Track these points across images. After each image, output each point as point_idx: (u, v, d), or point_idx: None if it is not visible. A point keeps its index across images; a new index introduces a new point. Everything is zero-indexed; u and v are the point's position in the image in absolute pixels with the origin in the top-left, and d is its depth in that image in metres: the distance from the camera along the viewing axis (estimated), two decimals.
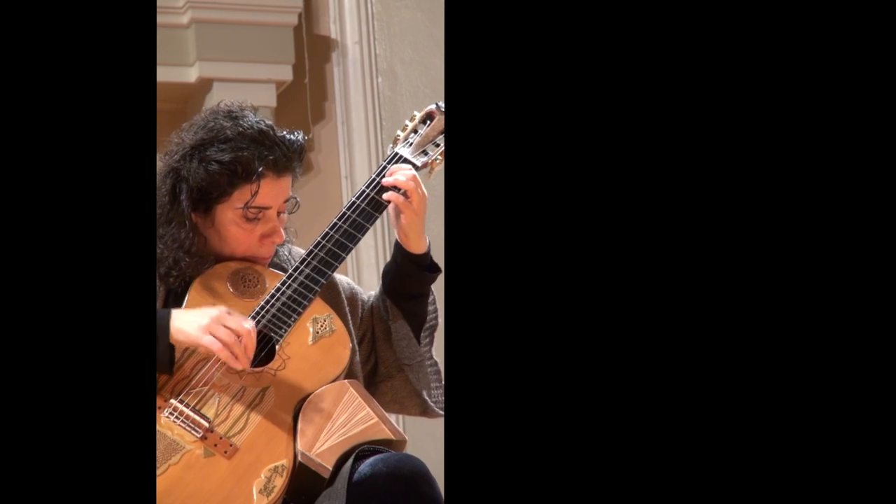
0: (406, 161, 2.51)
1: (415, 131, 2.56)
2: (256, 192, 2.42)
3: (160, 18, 4.05)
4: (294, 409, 2.34)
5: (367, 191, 2.48)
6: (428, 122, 2.57)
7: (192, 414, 2.32)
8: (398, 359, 2.53)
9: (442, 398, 2.56)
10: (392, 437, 2.35)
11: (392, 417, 2.42)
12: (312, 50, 4.65)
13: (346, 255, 2.46)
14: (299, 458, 2.29)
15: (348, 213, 2.47)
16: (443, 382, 2.57)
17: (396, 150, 2.53)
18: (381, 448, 2.31)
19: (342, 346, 2.43)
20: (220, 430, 2.32)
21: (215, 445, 2.31)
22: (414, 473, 2.25)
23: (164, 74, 4.03)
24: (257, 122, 2.46)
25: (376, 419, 2.34)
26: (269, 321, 2.40)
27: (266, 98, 4.47)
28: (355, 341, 2.50)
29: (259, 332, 2.39)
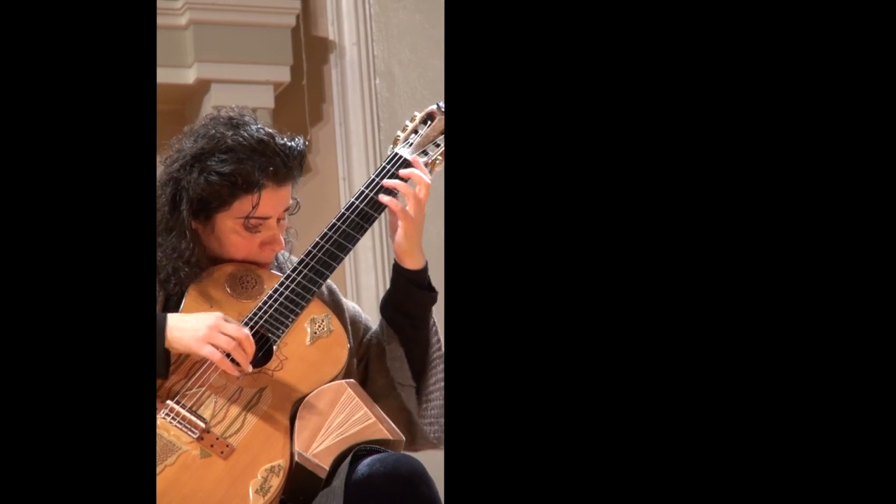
0: (406, 161, 2.50)
1: (415, 132, 2.56)
2: (258, 204, 2.42)
3: (159, 20, 4.04)
4: (291, 409, 2.34)
5: (366, 192, 2.48)
6: (428, 122, 2.57)
7: (188, 415, 2.32)
8: (391, 380, 2.50)
9: (434, 432, 2.51)
10: (389, 437, 2.34)
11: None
12: (310, 51, 4.65)
13: (344, 255, 2.46)
14: (296, 458, 2.29)
15: (346, 213, 2.47)
16: (439, 417, 2.52)
17: (396, 150, 2.53)
18: (378, 448, 2.31)
19: (340, 347, 2.43)
20: (217, 430, 2.32)
21: (212, 446, 2.31)
22: (411, 473, 2.25)
23: (162, 76, 4.01)
24: (258, 131, 2.44)
25: (374, 419, 2.34)
26: (267, 322, 2.40)
27: (264, 99, 4.47)
28: (353, 344, 2.50)
29: (256, 333, 2.40)
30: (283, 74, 4.55)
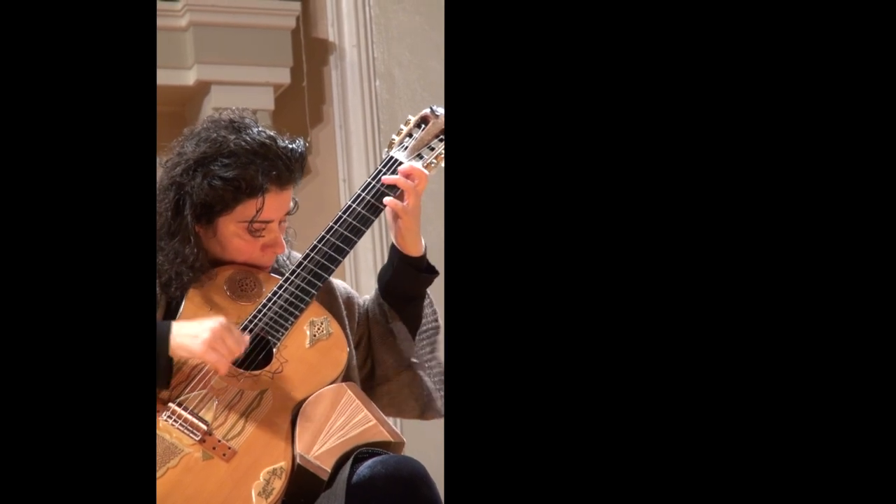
0: (401, 164, 2.51)
1: (409, 135, 2.57)
2: (260, 208, 2.42)
3: (159, 21, 4.05)
4: (292, 411, 2.35)
5: (364, 195, 2.48)
6: (423, 125, 2.57)
7: (190, 417, 2.32)
8: (404, 358, 2.53)
9: (442, 400, 2.56)
10: (390, 439, 2.35)
11: (389, 420, 2.42)
12: (310, 53, 4.66)
13: (343, 258, 2.46)
14: (298, 460, 2.29)
15: (344, 217, 2.47)
16: (441, 385, 2.57)
17: (392, 153, 2.54)
18: (379, 450, 2.31)
19: (339, 349, 2.43)
20: (219, 433, 2.32)
21: (214, 448, 2.31)
22: (413, 475, 2.25)
23: (162, 77, 4.01)
24: (259, 134, 2.45)
25: (374, 421, 2.35)
26: (267, 325, 2.40)
27: (264, 101, 4.47)
28: (352, 345, 2.51)
29: (256, 336, 2.40)
30: (284, 76, 4.55)
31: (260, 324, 2.40)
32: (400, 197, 2.46)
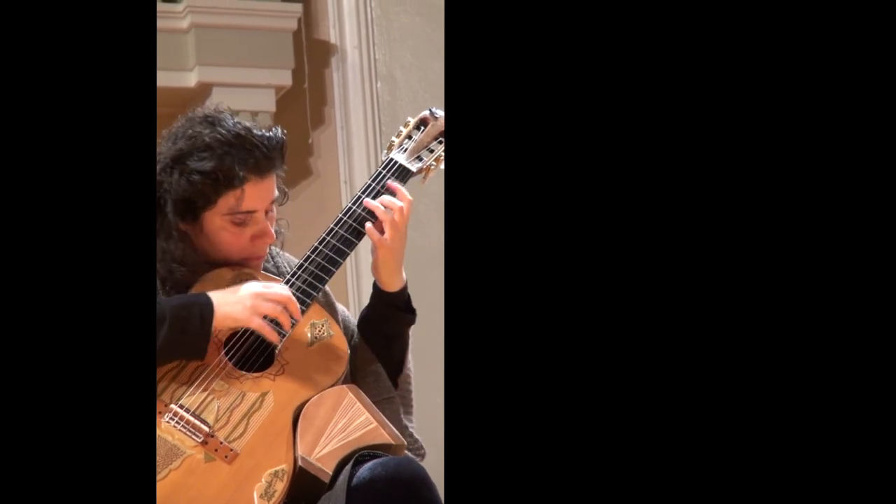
0: (401, 167, 2.51)
1: (409, 137, 2.57)
2: (241, 198, 2.42)
3: (160, 23, 4.05)
4: (293, 413, 2.35)
5: (364, 197, 2.48)
6: (422, 127, 2.57)
7: (192, 419, 2.32)
8: (376, 393, 2.49)
9: (413, 444, 2.51)
10: (391, 441, 2.35)
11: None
12: (312, 55, 4.66)
13: (343, 260, 2.46)
14: (299, 462, 2.29)
15: (344, 219, 2.47)
16: (412, 434, 2.52)
17: (391, 156, 2.54)
18: (380, 453, 2.31)
19: (340, 351, 2.43)
20: (221, 434, 2.32)
21: (216, 450, 2.31)
22: (413, 477, 2.25)
23: (163, 79, 4.02)
24: (234, 126, 2.44)
25: (375, 424, 2.35)
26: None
27: (265, 103, 4.47)
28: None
29: (257, 338, 2.40)
30: (285, 78, 4.55)
31: None
32: (380, 227, 2.44)
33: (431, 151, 2.54)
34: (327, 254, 2.45)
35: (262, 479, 2.29)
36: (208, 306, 2.34)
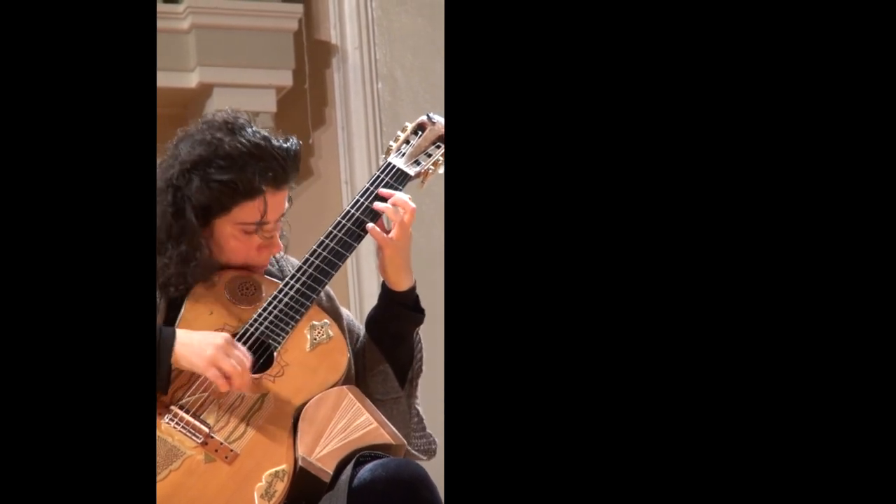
0: (399, 171, 2.51)
1: (407, 142, 2.57)
2: (257, 209, 2.42)
3: (160, 24, 4.06)
4: (293, 414, 2.35)
5: (362, 200, 2.48)
6: (419, 132, 2.57)
7: (192, 420, 2.32)
8: (370, 393, 2.49)
9: (423, 444, 2.51)
10: (391, 441, 2.35)
11: None
12: (312, 55, 4.66)
13: (342, 262, 2.46)
14: (300, 462, 2.29)
15: (343, 222, 2.47)
16: (424, 429, 2.52)
17: (389, 160, 2.54)
18: (380, 454, 2.31)
19: (340, 353, 2.43)
20: (220, 435, 2.32)
21: (216, 451, 2.31)
22: (414, 478, 2.25)
23: (164, 79, 4.03)
24: (254, 135, 2.44)
25: (375, 424, 2.35)
26: (267, 328, 2.40)
27: (266, 103, 4.47)
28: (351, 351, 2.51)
29: (257, 340, 2.40)
30: (286, 78, 4.55)
31: (261, 328, 2.41)
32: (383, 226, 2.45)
33: (429, 156, 2.55)
34: (326, 256, 2.45)
35: (263, 480, 2.29)
36: (169, 341, 2.34)
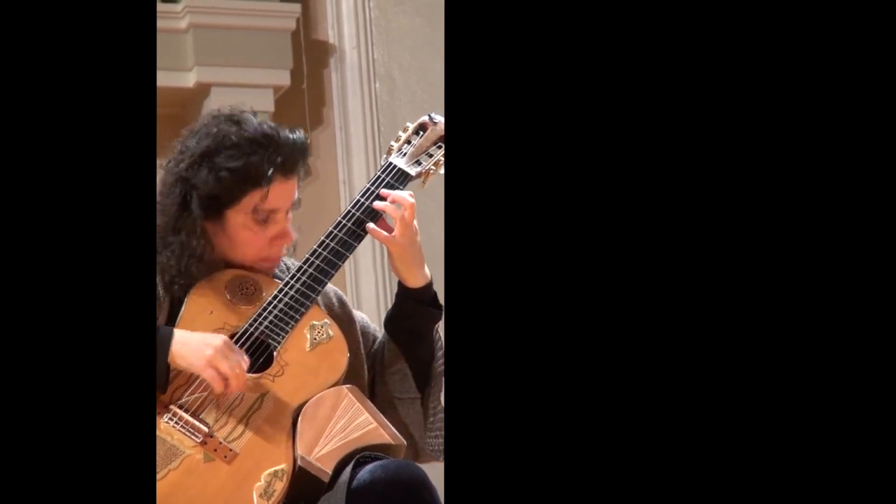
0: (400, 171, 2.51)
1: (408, 142, 2.57)
2: (266, 197, 2.43)
3: (159, 23, 4.05)
4: (292, 414, 2.35)
5: (362, 200, 2.48)
6: (421, 132, 2.58)
7: (191, 419, 2.32)
8: (388, 392, 2.50)
9: (439, 445, 2.51)
10: (391, 441, 2.35)
11: None
12: (310, 55, 4.66)
13: (342, 262, 2.46)
14: (299, 461, 2.29)
15: (343, 222, 2.47)
16: (442, 430, 2.52)
17: (391, 160, 2.54)
18: (380, 455, 2.31)
19: (339, 353, 2.43)
20: (220, 435, 2.32)
21: (215, 450, 2.31)
22: (413, 480, 2.25)
23: (162, 79, 4.01)
24: (261, 126, 2.46)
25: (375, 424, 2.35)
26: (267, 328, 2.41)
27: (264, 103, 4.47)
28: (356, 351, 2.51)
29: (257, 339, 2.40)
30: (284, 78, 4.55)
31: (261, 327, 2.41)
32: (385, 225, 2.45)
33: (430, 156, 2.55)
34: (327, 256, 2.45)
35: (262, 479, 2.29)
36: (166, 339, 2.34)
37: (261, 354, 2.40)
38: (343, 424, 2.33)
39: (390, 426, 2.37)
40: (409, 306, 2.50)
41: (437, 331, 2.54)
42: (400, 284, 2.50)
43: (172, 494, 2.26)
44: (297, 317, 2.42)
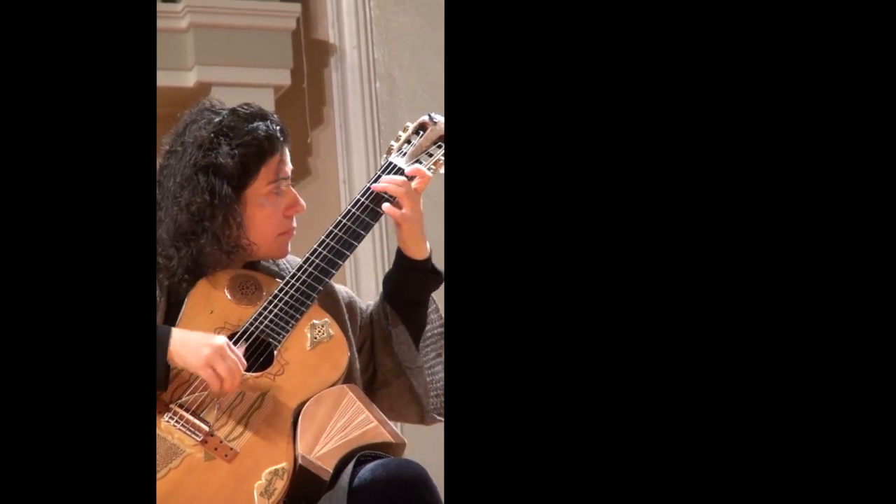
0: (400, 171, 2.52)
1: (408, 141, 2.58)
2: (281, 163, 2.47)
3: (159, 23, 4.05)
4: (293, 413, 2.35)
5: (363, 199, 2.49)
6: (421, 132, 2.58)
7: (192, 418, 2.33)
8: (399, 363, 2.53)
9: (439, 404, 2.56)
10: (391, 440, 2.35)
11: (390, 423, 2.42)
12: (311, 54, 4.66)
13: (343, 261, 2.47)
14: (299, 460, 2.30)
15: (344, 220, 2.48)
16: (442, 391, 2.57)
17: (391, 159, 2.55)
18: (381, 454, 2.31)
19: (340, 352, 2.43)
20: (220, 433, 2.33)
21: (215, 449, 2.31)
22: (414, 479, 2.25)
23: (162, 79, 4.01)
24: (240, 107, 2.51)
25: (375, 423, 2.35)
26: (268, 327, 2.41)
27: (264, 103, 4.45)
28: (354, 349, 2.51)
29: (257, 339, 2.41)
30: (284, 78, 4.55)
31: (261, 326, 2.41)
32: (397, 203, 2.47)
33: (430, 155, 2.56)
34: (327, 255, 2.46)
35: (262, 478, 2.29)
36: (164, 338, 2.35)
37: (261, 353, 2.41)
38: (344, 423, 2.34)
39: (390, 424, 2.37)
40: (413, 277, 2.53)
41: (432, 298, 2.59)
42: (403, 258, 2.52)
43: (173, 493, 2.27)
44: (297, 316, 2.42)
